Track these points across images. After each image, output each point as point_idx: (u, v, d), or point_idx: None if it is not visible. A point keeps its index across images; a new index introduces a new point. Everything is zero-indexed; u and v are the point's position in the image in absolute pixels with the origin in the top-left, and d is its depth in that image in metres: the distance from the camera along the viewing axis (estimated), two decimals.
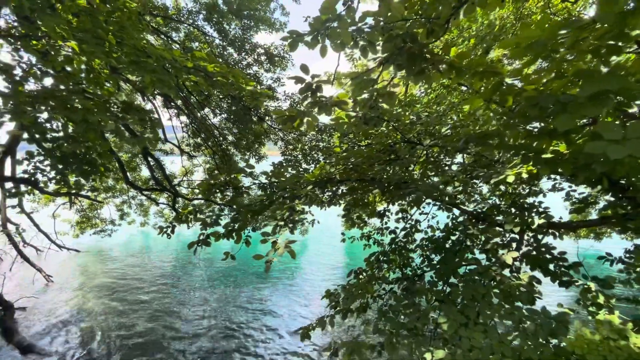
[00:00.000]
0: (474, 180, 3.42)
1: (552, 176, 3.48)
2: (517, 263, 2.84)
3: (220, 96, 8.43)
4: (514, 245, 2.86)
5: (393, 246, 3.56)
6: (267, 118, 8.25)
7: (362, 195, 3.30)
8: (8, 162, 5.45)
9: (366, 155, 2.84)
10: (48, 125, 3.38)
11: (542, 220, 2.75)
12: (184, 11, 7.92)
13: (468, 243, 3.25)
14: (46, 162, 3.84)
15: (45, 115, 2.92)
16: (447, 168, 3.85)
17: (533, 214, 2.91)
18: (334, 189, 3.58)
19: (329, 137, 6.02)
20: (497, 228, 2.97)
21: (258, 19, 7.43)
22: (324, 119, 2.64)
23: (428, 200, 3.70)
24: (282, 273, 11.55)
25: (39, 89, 2.89)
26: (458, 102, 4.84)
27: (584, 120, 2.02)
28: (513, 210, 3.17)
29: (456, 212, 3.85)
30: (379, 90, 2.32)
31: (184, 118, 9.34)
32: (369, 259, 3.48)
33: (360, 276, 3.36)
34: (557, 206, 3.43)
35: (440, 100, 4.63)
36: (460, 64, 2.05)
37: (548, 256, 2.69)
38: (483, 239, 3.21)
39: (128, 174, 8.99)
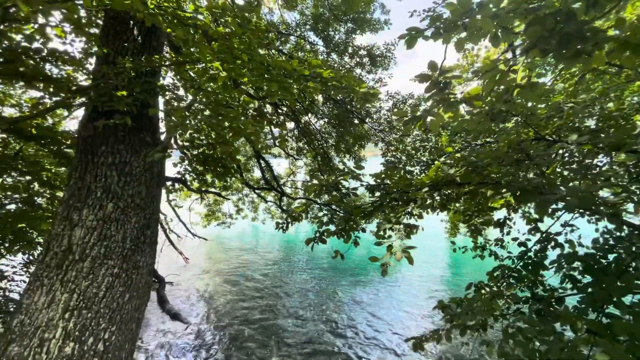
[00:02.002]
0: None
1: None
2: None
3: (322, 101, 8.86)
4: None
5: (523, 261, 3.08)
6: (367, 120, 8.27)
7: (484, 201, 2.96)
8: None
9: (494, 155, 2.53)
10: (196, 135, 4.15)
11: None
12: (292, 24, 8.62)
13: (636, 265, 2.55)
14: (191, 165, 4.73)
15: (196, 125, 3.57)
16: (597, 170, 3.13)
17: None
18: (449, 192, 3.31)
19: (436, 136, 5.63)
20: None
21: (361, 21, 7.52)
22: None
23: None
24: (382, 278, 11.38)
25: (193, 103, 3.53)
26: (611, 88, 3.90)
27: None
28: None
29: (609, 224, 3.09)
30: (517, 82, 2.02)
31: (289, 124, 10.17)
32: (493, 274, 3.08)
33: (482, 291, 3.01)
34: None
35: (586, 87, 3.80)
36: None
37: None
38: None
39: (243, 174, 10.30)
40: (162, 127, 4.31)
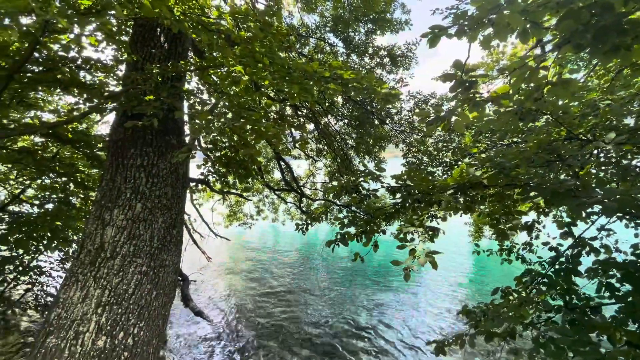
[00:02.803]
0: None
1: None
2: None
3: (342, 102, 8.84)
4: None
5: (555, 267, 2.93)
6: (388, 120, 8.18)
7: (512, 204, 2.84)
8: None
9: (523, 156, 2.42)
10: (219, 137, 4.26)
11: None
12: (312, 26, 8.67)
13: None
14: (215, 167, 4.85)
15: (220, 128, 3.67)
16: (638, 171, 2.93)
17: None
18: (474, 194, 3.21)
19: (459, 136, 5.48)
20: None
21: (381, 22, 7.45)
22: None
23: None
24: (401, 280, 11.19)
25: (216, 106, 3.62)
26: None
27: None
28: None
29: None
30: (549, 79, 1.93)
31: (309, 125, 10.23)
32: (521, 279, 2.96)
33: (510, 297, 2.89)
34: None
35: (625, 82, 3.56)
36: None
37: None
38: None
39: (264, 175, 10.45)
40: (187, 130, 4.45)
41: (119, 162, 3.11)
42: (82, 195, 5.75)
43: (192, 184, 6.10)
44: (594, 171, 3.27)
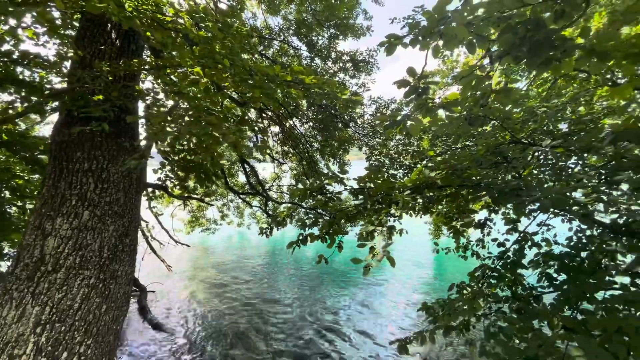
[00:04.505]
0: (613, 186, 2.82)
1: None
2: None
3: (307, 106, 8.89)
4: None
5: (503, 261, 3.16)
6: (351, 124, 8.35)
7: (465, 203, 3.03)
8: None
9: (473, 158, 2.60)
10: (176, 140, 4.07)
11: None
12: (276, 29, 8.63)
13: (606, 262, 2.67)
14: (172, 171, 4.63)
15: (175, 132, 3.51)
16: (570, 172, 3.27)
17: None
18: (430, 194, 3.37)
19: (417, 140, 5.74)
20: None
21: (344, 27, 7.61)
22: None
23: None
24: (365, 279, 11.43)
25: (172, 109, 3.46)
26: (581, 93, 4.09)
27: None
28: None
29: (580, 223, 3.22)
30: (494, 88, 2.09)
31: (274, 128, 10.14)
32: (474, 274, 3.15)
33: (464, 291, 3.07)
34: None
35: (558, 92, 3.97)
36: (605, 47, 1.71)
37: None
38: (628, 258, 2.61)
39: (227, 179, 10.16)
40: (143, 131, 4.21)
41: (63, 167, 2.86)
42: (19, 204, 5.20)
43: (148, 190, 5.77)
44: (535, 172, 3.59)
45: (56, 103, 3.16)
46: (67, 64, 3.59)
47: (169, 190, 4.99)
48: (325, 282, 11.46)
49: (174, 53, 3.47)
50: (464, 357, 6.01)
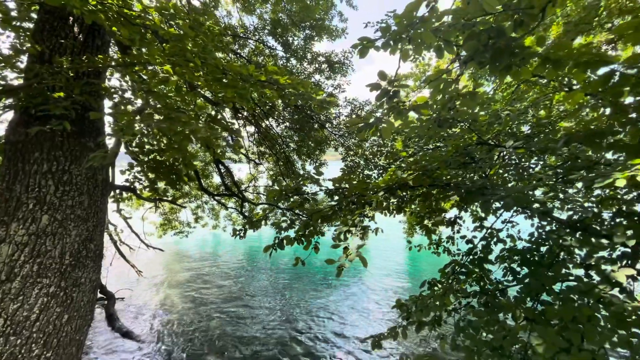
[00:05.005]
0: (568, 185, 3.03)
1: None
2: (629, 282, 2.42)
3: (283, 106, 8.84)
4: (627, 261, 2.43)
5: (471, 257, 3.30)
6: (327, 125, 8.40)
7: (436, 202, 3.14)
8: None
9: (442, 159, 2.69)
10: (146, 139, 3.91)
11: None
12: (251, 28, 8.52)
13: (563, 256, 2.86)
14: (142, 172, 4.45)
15: (144, 130, 3.37)
16: (531, 171, 3.47)
17: None
18: (403, 194, 3.47)
19: (391, 141, 5.87)
20: (603, 240, 2.56)
21: (319, 28, 7.64)
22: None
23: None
24: (343, 280, 11.52)
25: (142, 107, 3.33)
26: (541, 97, 4.35)
27: None
28: (620, 219, 2.70)
29: (539, 220, 3.44)
30: (460, 91, 2.19)
31: (249, 128, 10.00)
32: (444, 270, 3.27)
33: (435, 287, 3.17)
34: None
35: (520, 96, 4.20)
36: (558, 55, 1.83)
37: None
38: (582, 252, 2.81)
39: (202, 180, 9.89)
40: (111, 131, 4.01)
41: (18, 168, 2.67)
42: None
43: (117, 192, 5.50)
44: (501, 171, 3.78)
45: (10, 100, 2.94)
46: (24, 58, 3.36)
47: (138, 192, 4.79)
48: (303, 283, 11.45)
49: (143, 50, 3.34)
50: (436, 352, 6.24)
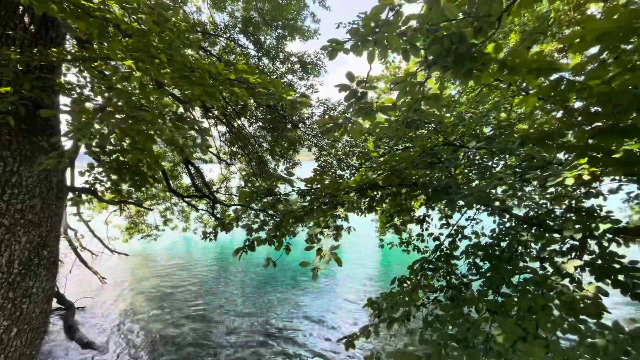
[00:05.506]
0: (525, 183, 3.23)
1: (616, 178, 3.19)
2: (578, 273, 2.62)
3: (255, 106, 8.71)
4: (575, 253, 2.64)
5: (438, 253, 3.43)
6: (300, 125, 8.39)
7: (404, 201, 3.23)
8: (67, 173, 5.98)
9: (410, 159, 2.78)
10: (106, 140, 3.69)
11: (608, 225, 2.51)
12: (221, 25, 8.32)
13: (520, 250, 3.05)
14: (104, 174, 4.20)
15: (104, 129, 3.18)
16: (493, 171, 3.66)
17: (596, 219, 2.67)
18: (374, 194, 3.53)
19: (363, 141, 5.97)
20: (555, 234, 2.76)
21: (291, 28, 7.61)
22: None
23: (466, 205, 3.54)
24: (318, 281, 11.55)
25: (103, 105, 3.15)
26: (501, 101, 4.61)
27: None
28: (570, 215, 2.93)
29: (499, 217, 3.65)
30: (425, 93, 2.26)
31: (221, 127, 9.75)
32: (413, 267, 3.37)
33: (404, 284, 3.26)
34: (612, 208, 3.12)
35: (482, 99, 4.43)
36: (514, 62, 1.95)
37: (616, 266, 2.45)
38: (537, 246, 3.01)
39: (170, 181, 9.52)
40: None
41: None
42: None
43: (76, 194, 5.15)
44: (466, 171, 3.96)
45: None
46: None
47: (99, 194, 4.52)
48: (276, 284, 11.35)
49: (104, 44, 3.16)
50: (407, 347, 6.42)
